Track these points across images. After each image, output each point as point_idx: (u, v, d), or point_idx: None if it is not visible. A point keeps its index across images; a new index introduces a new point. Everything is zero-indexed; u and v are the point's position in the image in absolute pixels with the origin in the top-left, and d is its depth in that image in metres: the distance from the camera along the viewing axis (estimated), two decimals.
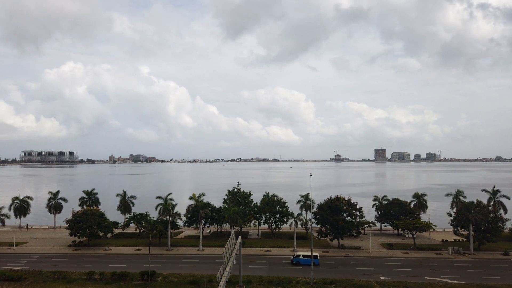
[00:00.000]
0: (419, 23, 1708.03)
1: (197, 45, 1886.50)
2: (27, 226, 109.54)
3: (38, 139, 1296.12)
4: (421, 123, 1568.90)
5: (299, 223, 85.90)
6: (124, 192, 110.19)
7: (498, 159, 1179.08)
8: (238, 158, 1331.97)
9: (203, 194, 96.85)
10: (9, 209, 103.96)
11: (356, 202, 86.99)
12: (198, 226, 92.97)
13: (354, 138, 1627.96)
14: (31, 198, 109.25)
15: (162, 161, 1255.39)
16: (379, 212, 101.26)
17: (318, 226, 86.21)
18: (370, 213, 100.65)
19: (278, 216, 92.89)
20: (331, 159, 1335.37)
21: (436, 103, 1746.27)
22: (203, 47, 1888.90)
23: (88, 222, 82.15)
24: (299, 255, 71.06)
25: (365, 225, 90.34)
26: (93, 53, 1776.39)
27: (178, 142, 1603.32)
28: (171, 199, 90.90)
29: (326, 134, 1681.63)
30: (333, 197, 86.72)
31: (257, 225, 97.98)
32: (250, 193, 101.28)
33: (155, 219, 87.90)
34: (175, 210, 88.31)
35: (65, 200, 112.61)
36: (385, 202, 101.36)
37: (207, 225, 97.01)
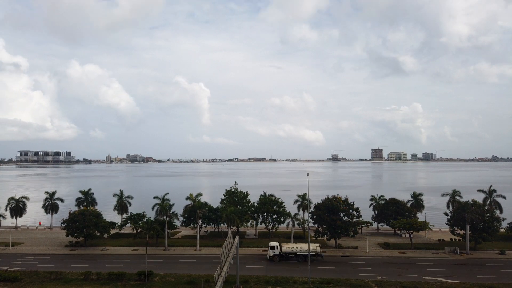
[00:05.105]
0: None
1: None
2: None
3: (35, 139, 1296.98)
4: (418, 123, 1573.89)
5: (296, 222, 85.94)
6: (121, 192, 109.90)
7: (494, 158, 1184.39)
8: (236, 158, 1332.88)
9: (200, 194, 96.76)
10: (5, 209, 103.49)
11: (353, 202, 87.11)
12: (195, 226, 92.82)
13: (351, 137, 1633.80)
14: (27, 198, 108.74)
15: (159, 161, 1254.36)
16: (376, 212, 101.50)
17: (315, 225, 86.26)
18: (367, 213, 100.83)
19: (275, 216, 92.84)
20: (328, 159, 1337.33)
21: (433, 103, 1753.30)
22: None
23: (85, 222, 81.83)
24: None
25: (362, 225, 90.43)
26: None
27: (176, 141, 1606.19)
28: (168, 199, 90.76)
29: (324, 133, 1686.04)
30: (330, 197, 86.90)
31: (255, 225, 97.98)
32: (247, 193, 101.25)
33: (152, 219, 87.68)
34: (172, 210, 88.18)
35: (62, 200, 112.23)
36: (382, 201, 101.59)
37: (204, 225, 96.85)
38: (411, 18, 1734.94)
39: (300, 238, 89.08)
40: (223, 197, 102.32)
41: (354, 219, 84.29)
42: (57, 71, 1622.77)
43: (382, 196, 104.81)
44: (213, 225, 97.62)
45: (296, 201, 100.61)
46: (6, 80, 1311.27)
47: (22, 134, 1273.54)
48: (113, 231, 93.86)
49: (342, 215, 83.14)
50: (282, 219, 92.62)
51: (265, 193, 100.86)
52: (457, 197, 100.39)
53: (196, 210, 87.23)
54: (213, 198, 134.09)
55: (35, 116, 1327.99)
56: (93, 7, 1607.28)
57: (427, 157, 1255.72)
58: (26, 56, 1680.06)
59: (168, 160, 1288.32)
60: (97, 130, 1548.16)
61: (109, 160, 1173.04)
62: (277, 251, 72.07)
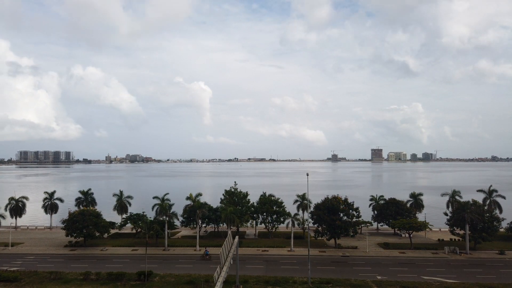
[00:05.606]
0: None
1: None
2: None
3: (34, 138, 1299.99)
4: (419, 123, 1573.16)
5: (296, 222, 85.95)
6: (121, 192, 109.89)
7: (494, 158, 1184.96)
8: (235, 158, 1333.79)
9: (200, 194, 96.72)
10: (5, 209, 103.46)
11: (353, 202, 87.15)
12: (195, 226, 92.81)
13: (352, 137, 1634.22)
14: (27, 198, 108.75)
15: (159, 161, 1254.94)
16: (376, 212, 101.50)
17: (315, 226, 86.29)
18: (366, 213, 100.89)
19: (275, 216, 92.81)
20: (328, 159, 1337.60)
21: (433, 103, 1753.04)
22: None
23: (85, 222, 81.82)
24: None
25: (362, 225, 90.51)
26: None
27: (176, 141, 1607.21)
28: (168, 199, 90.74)
29: (326, 133, 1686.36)
30: (330, 196, 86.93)
31: (254, 225, 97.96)
32: (247, 193, 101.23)
33: (152, 219, 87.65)
34: (172, 210, 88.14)
35: (61, 200, 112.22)
36: (382, 201, 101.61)
37: (204, 225, 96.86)
38: (412, 20, 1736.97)
39: (300, 238, 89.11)
40: (222, 197, 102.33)
41: (354, 219, 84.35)
42: (61, 72, 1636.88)
43: (382, 196, 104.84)
44: (213, 225, 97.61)
45: (296, 201, 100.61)
46: (9, 80, 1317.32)
47: (22, 134, 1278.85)
48: (112, 231, 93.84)
49: (341, 215, 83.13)
50: (282, 219, 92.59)
51: (264, 193, 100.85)
52: (457, 197, 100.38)
53: (196, 210, 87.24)
54: (213, 198, 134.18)
55: (39, 116, 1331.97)
56: (119, 16, 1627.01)
57: (427, 157, 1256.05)
58: (27, 56, 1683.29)
59: (168, 160, 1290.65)
60: (101, 131, 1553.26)
61: (109, 160, 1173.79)
62: None
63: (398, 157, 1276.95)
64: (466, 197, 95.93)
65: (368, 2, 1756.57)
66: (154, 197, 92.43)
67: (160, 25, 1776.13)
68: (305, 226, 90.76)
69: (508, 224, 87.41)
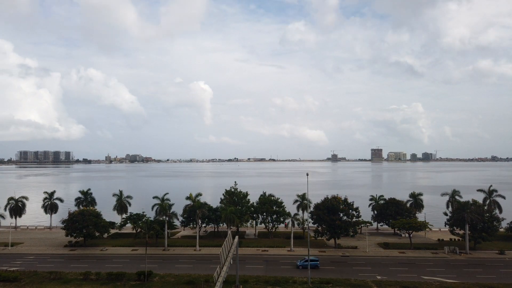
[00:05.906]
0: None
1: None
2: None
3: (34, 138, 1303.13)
4: (419, 123, 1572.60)
5: (296, 222, 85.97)
6: (121, 192, 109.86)
7: (494, 158, 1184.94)
8: (235, 158, 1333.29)
9: (200, 194, 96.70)
10: (5, 209, 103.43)
11: (353, 202, 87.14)
12: (195, 226, 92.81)
13: (353, 137, 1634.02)
14: (26, 198, 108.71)
15: (159, 161, 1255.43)
16: (376, 212, 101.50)
17: (315, 225, 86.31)
18: (366, 213, 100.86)
19: (275, 216, 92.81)
20: (328, 159, 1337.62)
21: (434, 103, 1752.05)
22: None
23: (84, 222, 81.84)
24: None
25: (362, 225, 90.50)
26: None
27: (176, 141, 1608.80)
28: (168, 199, 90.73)
29: (327, 133, 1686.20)
30: (330, 196, 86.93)
31: (254, 225, 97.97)
32: (247, 193, 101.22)
33: (152, 219, 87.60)
34: (171, 210, 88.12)
35: (61, 200, 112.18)
36: (382, 201, 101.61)
37: (204, 225, 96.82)
38: (413, 21, 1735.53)
39: (300, 238, 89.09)
40: (222, 197, 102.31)
41: (354, 219, 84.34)
42: (62, 73, 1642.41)
43: (382, 196, 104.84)
44: (212, 225, 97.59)
45: (296, 201, 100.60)
46: (12, 81, 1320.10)
47: (27, 135, 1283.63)
48: (112, 231, 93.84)
49: (341, 215, 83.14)
50: (281, 219, 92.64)
51: (264, 193, 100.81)
52: (457, 197, 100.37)
53: (196, 210, 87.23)
54: (213, 198, 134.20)
55: (43, 116, 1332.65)
56: (131, 21, 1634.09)
57: (427, 157, 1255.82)
58: (29, 57, 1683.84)
59: (168, 160, 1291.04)
60: (104, 131, 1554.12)
61: (109, 160, 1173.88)
62: None
63: (398, 157, 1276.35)
64: (466, 197, 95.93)
65: (375, 7, 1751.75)
66: (154, 197, 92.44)
67: (173, 30, 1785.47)
68: (305, 226, 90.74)
69: (508, 224, 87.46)
